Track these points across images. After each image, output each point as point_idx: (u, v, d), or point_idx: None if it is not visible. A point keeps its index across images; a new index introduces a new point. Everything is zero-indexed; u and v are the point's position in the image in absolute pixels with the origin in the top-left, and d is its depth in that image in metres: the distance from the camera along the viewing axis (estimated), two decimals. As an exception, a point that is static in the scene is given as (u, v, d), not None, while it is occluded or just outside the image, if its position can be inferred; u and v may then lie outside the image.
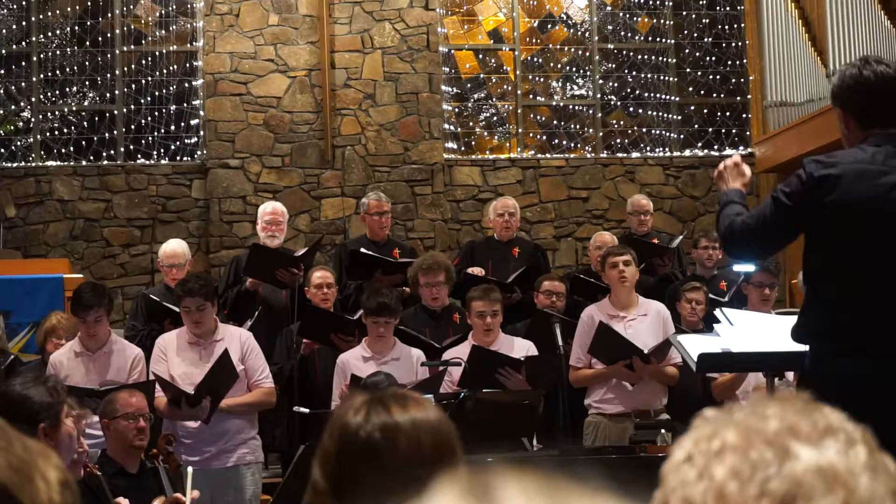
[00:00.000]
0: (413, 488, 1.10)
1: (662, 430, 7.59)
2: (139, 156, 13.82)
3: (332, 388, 8.55)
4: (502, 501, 1.04)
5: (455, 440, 2.70)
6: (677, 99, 14.79)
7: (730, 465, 1.35)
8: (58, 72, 13.89)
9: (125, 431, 6.67)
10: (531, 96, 14.71)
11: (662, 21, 14.88)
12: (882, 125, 4.69)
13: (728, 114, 14.86)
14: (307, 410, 8.34)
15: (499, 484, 1.06)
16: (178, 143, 13.85)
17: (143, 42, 14.05)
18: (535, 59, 14.73)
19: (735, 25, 14.95)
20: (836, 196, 4.56)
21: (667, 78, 14.80)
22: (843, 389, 3.94)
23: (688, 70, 14.88)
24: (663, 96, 14.79)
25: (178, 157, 13.83)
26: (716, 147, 14.74)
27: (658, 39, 14.87)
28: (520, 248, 10.95)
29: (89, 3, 13.92)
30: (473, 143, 14.50)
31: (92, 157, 13.75)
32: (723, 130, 14.81)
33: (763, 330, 5.87)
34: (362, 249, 10.12)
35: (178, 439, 7.59)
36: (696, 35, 14.94)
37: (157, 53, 13.96)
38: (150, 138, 13.84)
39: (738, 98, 14.87)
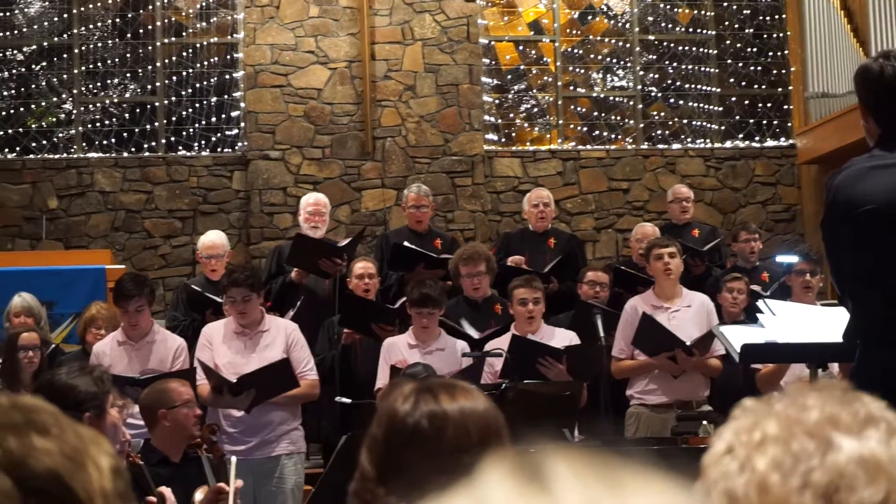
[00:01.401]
0: (460, 477, 1.10)
1: (704, 422, 7.57)
2: (180, 147, 13.87)
3: (377, 374, 8.55)
4: (553, 480, 1.04)
5: (503, 430, 2.71)
6: (718, 90, 14.73)
7: (772, 456, 1.35)
8: (99, 64, 13.97)
9: (185, 420, 6.48)
10: (571, 87, 14.67)
11: (703, 12, 14.81)
12: None
13: (769, 105, 14.78)
14: (349, 401, 8.34)
15: (549, 463, 1.06)
16: (218, 134, 13.89)
17: (184, 34, 14.10)
18: (576, 51, 14.70)
19: (776, 16, 14.87)
20: (845, 199, 4.46)
21: (707, 69, 14.74)
22: (876, 380, 3.92)
23: (729, 61, 14.82)
24: (704, 87, 14.72)
25: (218, 149, 13.87)
26: (757, 138, 14.68)
27: (699, 30, 14.80)
28: (555, 238, 10.92)
29: (131, -4, 13.99)
30: (513, 134, 14.48)
31: (133, 149, 13.81)
32: (764, 122, 14.73)
33: (807, 321, 5.83)
34: (405, 243, 10.10)
35: (221, 429, 7.60)
36: (736, 26, 14.87)
37: (198, 45, 14.01)
38: (191, 130, 13.89)
39: (780, 89, 14.79)
